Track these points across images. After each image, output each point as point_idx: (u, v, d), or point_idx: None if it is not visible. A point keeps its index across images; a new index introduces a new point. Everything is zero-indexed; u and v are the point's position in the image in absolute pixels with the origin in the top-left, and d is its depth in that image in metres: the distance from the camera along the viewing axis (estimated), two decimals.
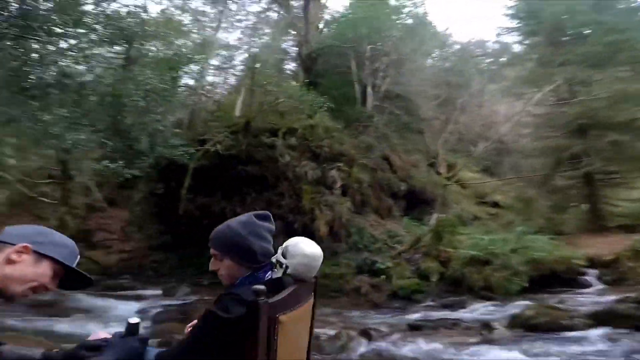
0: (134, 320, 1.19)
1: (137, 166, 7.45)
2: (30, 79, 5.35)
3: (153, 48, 8.26)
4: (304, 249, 1.32)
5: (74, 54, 6.04)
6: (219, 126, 10.39)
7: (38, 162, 13.82)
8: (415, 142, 16.49)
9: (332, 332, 5.69)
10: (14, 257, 1.04)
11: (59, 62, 5.81)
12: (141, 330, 1.20)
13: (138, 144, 7.79)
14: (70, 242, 1.21)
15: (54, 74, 5.72)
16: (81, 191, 16.07)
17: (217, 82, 15.54)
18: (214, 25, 13.47)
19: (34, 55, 5.31)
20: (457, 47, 20.43)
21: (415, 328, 6.46)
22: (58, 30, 5.56)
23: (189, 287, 9.27)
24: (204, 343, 1.08)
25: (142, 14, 7.46)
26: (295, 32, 14.70)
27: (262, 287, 1.10)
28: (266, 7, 15.74)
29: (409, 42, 14.24)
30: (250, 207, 11.17)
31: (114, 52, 7.44)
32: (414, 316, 7.35)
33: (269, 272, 1.33)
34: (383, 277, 9.61)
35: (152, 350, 1.19)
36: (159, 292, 9.02)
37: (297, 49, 14.80)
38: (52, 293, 1.28)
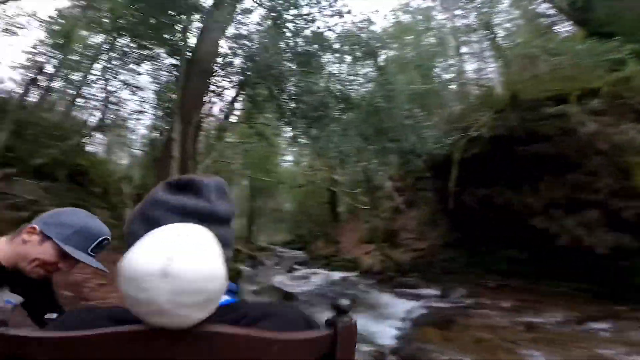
0: None
1: (398, 163, 7.72)
2: (296, 103, 6.99)
3: (392, 53, 8.57)
4: (128, 259, 0.54)
5: (332, 75, 7.36)
6: (480, 109, 9.12)
7: (352, 176, 17.66)
8: None
9: None
10: (25, 237, 1.14)
11: (321, 85, 7.20)
12: None
13: (396, 143, 8.16)
14: (81, 224, 1.17)
15: (321, 95, 7.11)
16: (386, 196, 18.91)
17: (473, 67, 13.94)
18: (446, 16, 12.32)
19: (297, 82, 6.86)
20: None
21: None
22: (319, 59, 6.96)
23: (468, 288, 8.39)
24: None
25: (371, 26, 7.97)
26: None
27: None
28: None
29: None
30: (546, 194, 8.91)
31: (365, 66, 8.33)
32: None
33: None
34: None
35: None
36: (437, 292, 8.71)
37: (550, 4, 10.79)
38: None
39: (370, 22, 7.66)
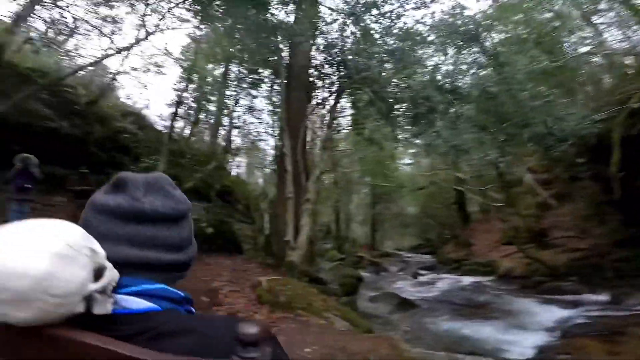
0: None
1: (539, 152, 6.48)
2: (397, 103, 6.55)
3: (501, 35, 7.33)
4: None
5: (432, 68, 6.70)
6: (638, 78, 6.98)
7: (480, 172, 15.69)
8: None
9: None
10: None
11: (421, 79, 6.63)
12: None
13: (524, 129, 6.87)
14: None
15: (420, 90, 6.54)
16: (527, 191, 16.15)
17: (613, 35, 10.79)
18: None
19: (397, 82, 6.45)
20: None
21: None
22: (414, 54, 6.48)
23: None
24: None
25: (465, 11, 6.93)
26: None
27: None
28: None
29: None
30: None
31: (472, 53, 7.33)
32: None
33: None
34: None
35: None
36: (606, 298, 6.96)
37: None
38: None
39: (462, 7, 6.78)
